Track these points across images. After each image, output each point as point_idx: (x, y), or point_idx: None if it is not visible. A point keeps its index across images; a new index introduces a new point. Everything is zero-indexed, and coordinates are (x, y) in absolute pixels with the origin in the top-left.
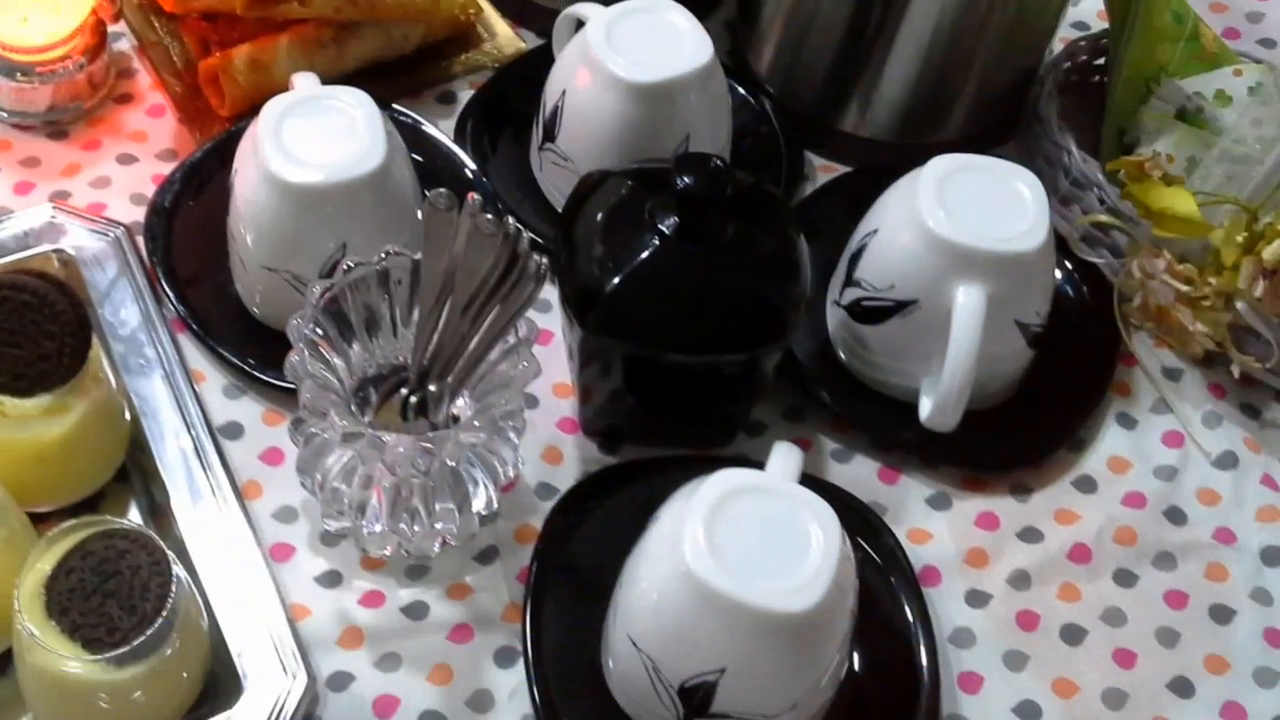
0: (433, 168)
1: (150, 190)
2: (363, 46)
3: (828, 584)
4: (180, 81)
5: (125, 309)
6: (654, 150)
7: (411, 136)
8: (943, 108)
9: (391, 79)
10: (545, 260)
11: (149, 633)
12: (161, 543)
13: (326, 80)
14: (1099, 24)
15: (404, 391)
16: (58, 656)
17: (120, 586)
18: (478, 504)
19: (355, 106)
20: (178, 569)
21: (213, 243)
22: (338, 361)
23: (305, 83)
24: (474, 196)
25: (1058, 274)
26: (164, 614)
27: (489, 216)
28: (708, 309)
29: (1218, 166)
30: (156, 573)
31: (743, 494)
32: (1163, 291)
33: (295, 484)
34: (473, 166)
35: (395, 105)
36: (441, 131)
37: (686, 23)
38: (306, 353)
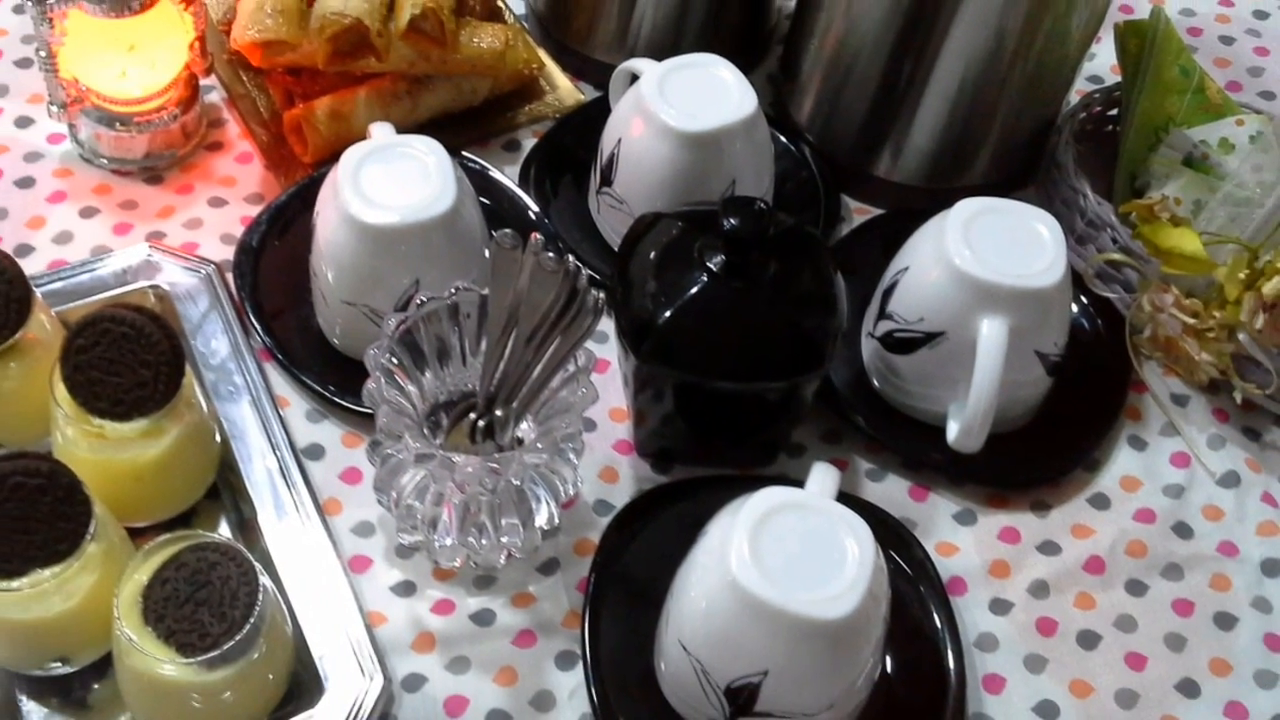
0: (499, 210)
1: (239, 231)
2: (435, 98)
3: (862, 593)
4: (266, 131)
5: (216, 340)
6: (702, 194)
7: (479, 181)
8: (968, 155)
9: (461, 128)
10: (602, 295)
11: (237, 638)
12: (249, 555)
13: (401, 129)
14: (1112, 77)
15: (472, 416)
16: (154, 660)
17: (211, 595)
18: (540, 519)
19: (428, 154)
20: (264, 579)
21: (296, 279)
22: (411, 388)
23: (382, 132)
24: (537, 236)
25: (1074, 308)
26: (251, 621)
27: (550, 255)
28: (752, 340)
29: (1221, 209)
30: (245, 583)
31: (784, 510)
32: (1171, 324)
33: (372, 501)
34: (535, 209)
35: (464, 152)
36: (507, 176)
37: (732, 76)
38: (383, 380)
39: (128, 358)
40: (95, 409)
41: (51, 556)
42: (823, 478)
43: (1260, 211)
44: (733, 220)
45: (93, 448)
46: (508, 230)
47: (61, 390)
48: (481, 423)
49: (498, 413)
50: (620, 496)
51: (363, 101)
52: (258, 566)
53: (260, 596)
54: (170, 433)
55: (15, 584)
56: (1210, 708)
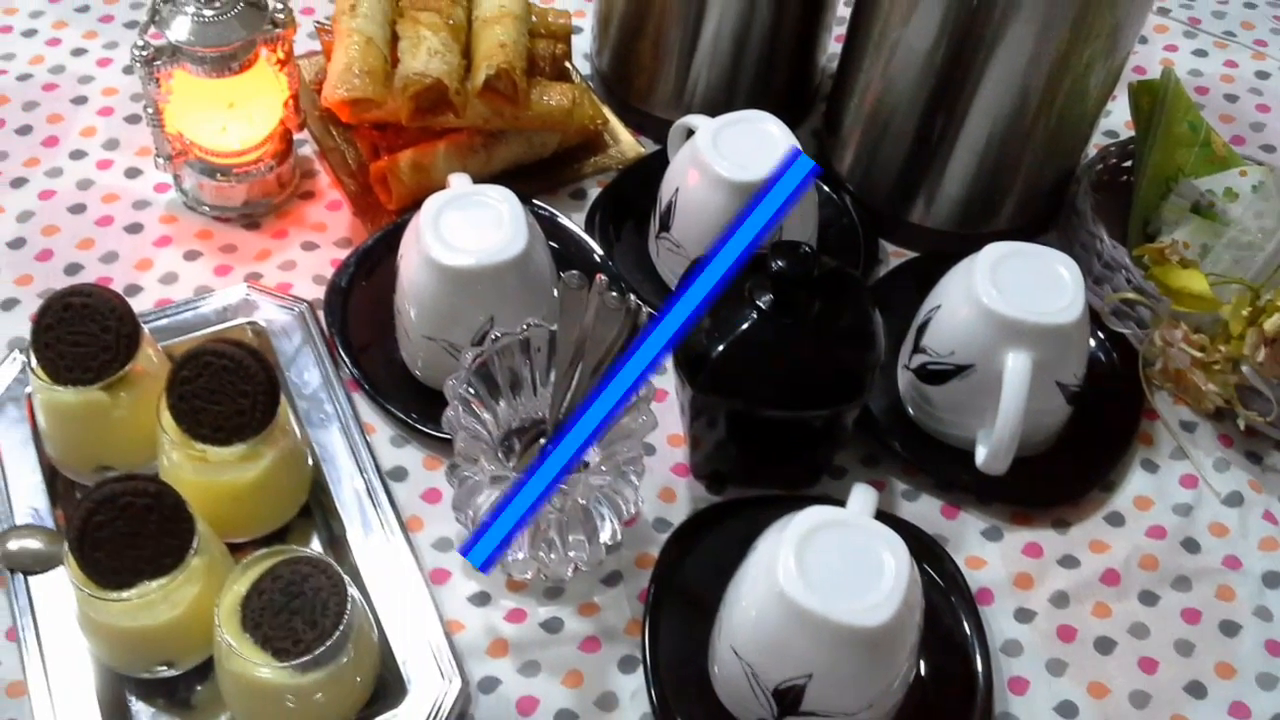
0: (566, 253)
1: (329, 272)
2: (508, 151)
3: (899, 603)
4: (354, 181)
5: (308, 372)
6: None
7: (549, 227)
8: (995, 203)
9: (532, 178)
10: None
11: (328, 644)
12: (339, 568)
13: (477, 180)
14: (1127, 132)
15: (542, 441)
16: (251, 664)
17: (304, 605)
18: (604, 536)
19: (501, 201)
20: (352, 590)
21: (381, 316)
22: (486, 416)
23: (459, 182)
24: (601, 277)
25: (1092, 342)
26: (340, 628)
27: (614, 294)
28: (798, 372)
29: (1226, 252)
30: (334, 593)
31: (827, 527)
32: (1180, 357)
33: (451, 519)
34: (600, 252)
35: (535, 200)
36: (574, 222)
37: (780, 131)
38: (461, 409)
39: (227, 388)
40: (198, 435)
41: (158, 569)
42: (862, 498)
43: (1262, 255)
44: (780, 262)
45: (196, 470)
46: (575, 271)
47: (167, 417)
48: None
49: None
50: (677, 515)
51: (442, 154)
52: (346, 579)
53: (349, 606)
54: (266, 456)
55: (125, 594)
56: (1216, 708)
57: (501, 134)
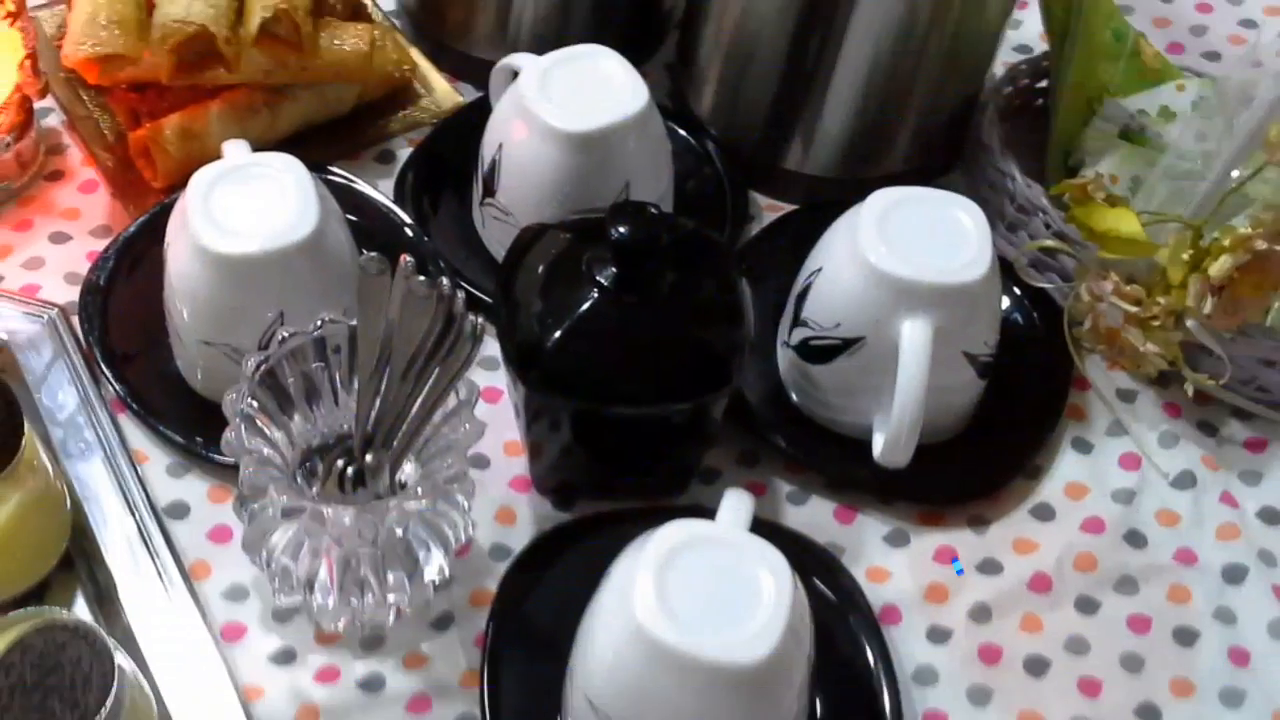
0: (372, 229)
1: (84, 269)
2: (297, 109)
3: (780, 632)
4: (111, 155)
5: (62, 392)
6: (595, 200)
7: (349, 199)
8: (885, 139)
9: (329, 141)
10: (481, 319)
11: None
12: (102, 632)
13: (261, 146)
14: (1041, 46)
15: (340, 463)
16: None
17: (61, 680)
18: (429, 571)
19: (285, 171)
20: (119, 658)
21: (150, 319)
22: (278, 434)
23: (236, 150)
24: (407, 259)
25: (1006, 301)
26: (107, 706)
27: (422, 279)
28: (650, 359)
29: (1161, 184)
30: (98, 663)
31: (692, 545)
32: (1112, 313)
33: (246, 561)
34: (411, 225)
35: (331, 168)
36: (381, 192)
37: (620, 69)
38: (243, 428)
39: None
40: None
41: None
42: (735, 506)
43: (1203, 185)
44: (621, 229)
45: None
46: (374, 254)
47: None
48: (350, 470)
49: (368, 458)
50: (519, 539)
51: (216, 117)
52: (112, 643)
53: (116, 678)
54: (10, 501)
55: None
56: None
57: (287, 89)
